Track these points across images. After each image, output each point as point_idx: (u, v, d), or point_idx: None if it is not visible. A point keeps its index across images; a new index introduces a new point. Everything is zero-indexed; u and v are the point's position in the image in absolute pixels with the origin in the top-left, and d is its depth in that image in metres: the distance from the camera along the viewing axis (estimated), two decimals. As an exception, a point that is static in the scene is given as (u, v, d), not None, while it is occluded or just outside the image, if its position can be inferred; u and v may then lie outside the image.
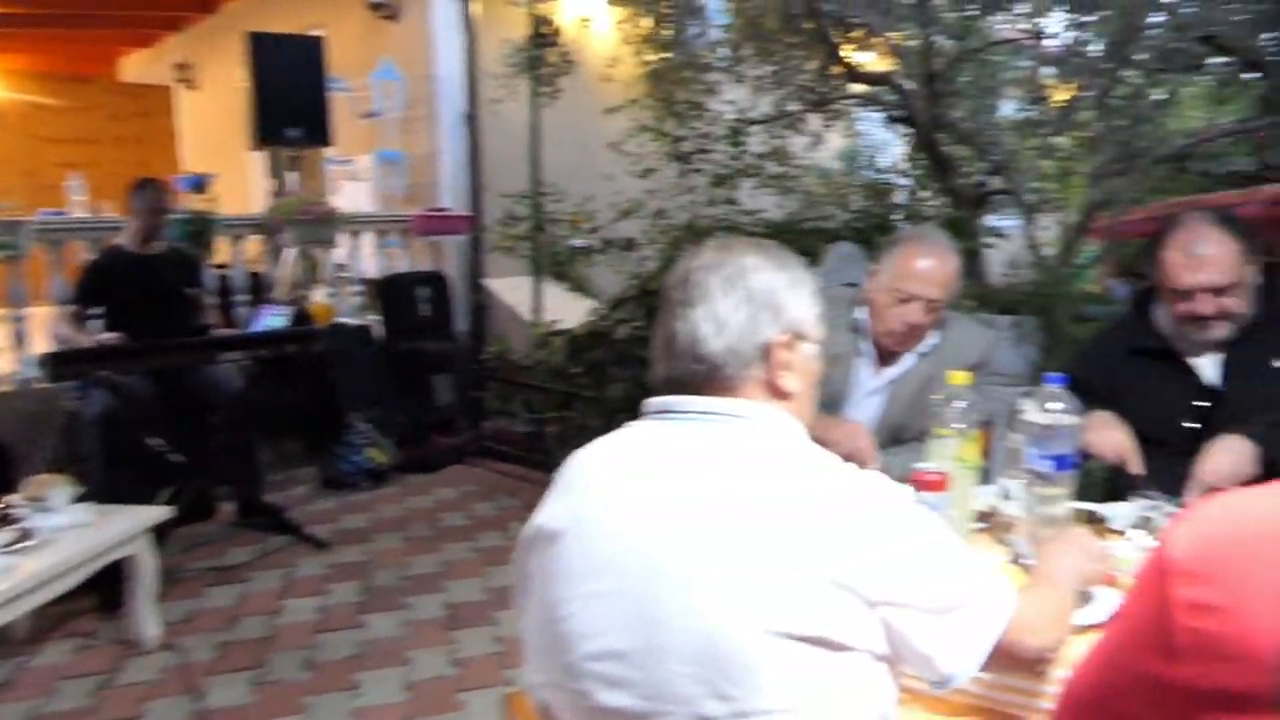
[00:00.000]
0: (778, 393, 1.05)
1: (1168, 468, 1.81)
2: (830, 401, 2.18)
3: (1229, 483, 1.72)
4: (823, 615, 0.88)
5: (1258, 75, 6.16)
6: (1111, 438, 1.88)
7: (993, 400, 2.24)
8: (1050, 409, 1.52)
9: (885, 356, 2.15)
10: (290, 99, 5.05)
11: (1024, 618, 0.98)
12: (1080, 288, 5.72)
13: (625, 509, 0.98)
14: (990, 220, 5.87)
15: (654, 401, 1.07)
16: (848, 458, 1.93)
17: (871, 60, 5.57)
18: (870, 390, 2.16)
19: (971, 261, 4.65)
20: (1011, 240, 5.41)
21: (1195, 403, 1.96)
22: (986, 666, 0.96)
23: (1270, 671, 0.59)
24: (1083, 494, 2.04)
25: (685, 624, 0.89)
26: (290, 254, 5.26)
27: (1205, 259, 1.86)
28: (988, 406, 2.05)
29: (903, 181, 6.08)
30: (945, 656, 0.93)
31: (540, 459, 4.69)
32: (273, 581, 3.55)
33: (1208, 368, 1.98)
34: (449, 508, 4.48)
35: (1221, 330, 1.91)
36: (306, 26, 6.19)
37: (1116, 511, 1.73)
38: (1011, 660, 0.99)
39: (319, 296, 5.55)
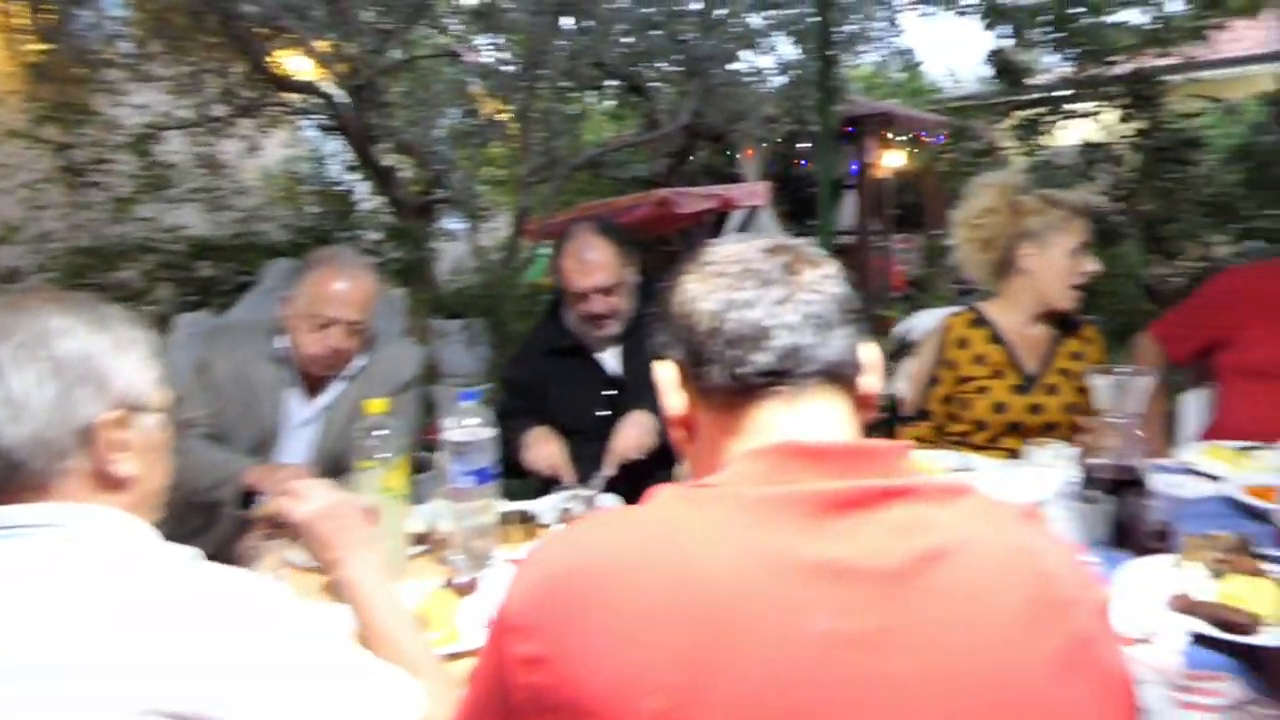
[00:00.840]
0: (111, 483, 0.86)
1: (588, 453, 2.00)
2: (262, 439, 2.01)
3: (638, 452, 1.96)
4: None
5: (641, 97, 7.35)
6: (545, 453, 2.02)
7: (450, 401, 2.27)
8: (467, 425, 1.55)
9: (314, 384, 2.03)
10: None
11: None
12: (531, 282, 6.20)
13: None
14: (442, 225, 6.07)
15: None
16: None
17: (308, 67, 5.36)
18: (302, 421, 2.03)
19: (421, 269, 4.73)
20: (457, 245, 5.64)
21: (605, 392, 2.19)
22: None
23: (594, 715, 0.61)
24: (518, 492, 2.16)
25: None
26: None
27: (593, 264, 2.09)
28: (447, 408, 2.06)
29: (354, 192, 5.98)
30: None
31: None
32: None
33: (611, 360, 2.23)
34: None
35: (613, 326, 2.16)
36: None
37: (542, 506, 1.84)
38: None
39: None
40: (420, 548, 1.65)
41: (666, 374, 0.82)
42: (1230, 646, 1.13)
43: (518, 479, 2.19)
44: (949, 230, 2.24)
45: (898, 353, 2.68)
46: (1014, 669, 0.63)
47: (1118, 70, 4.91)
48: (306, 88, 4.92)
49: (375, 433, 1.53)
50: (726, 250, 0.80)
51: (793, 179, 9.46)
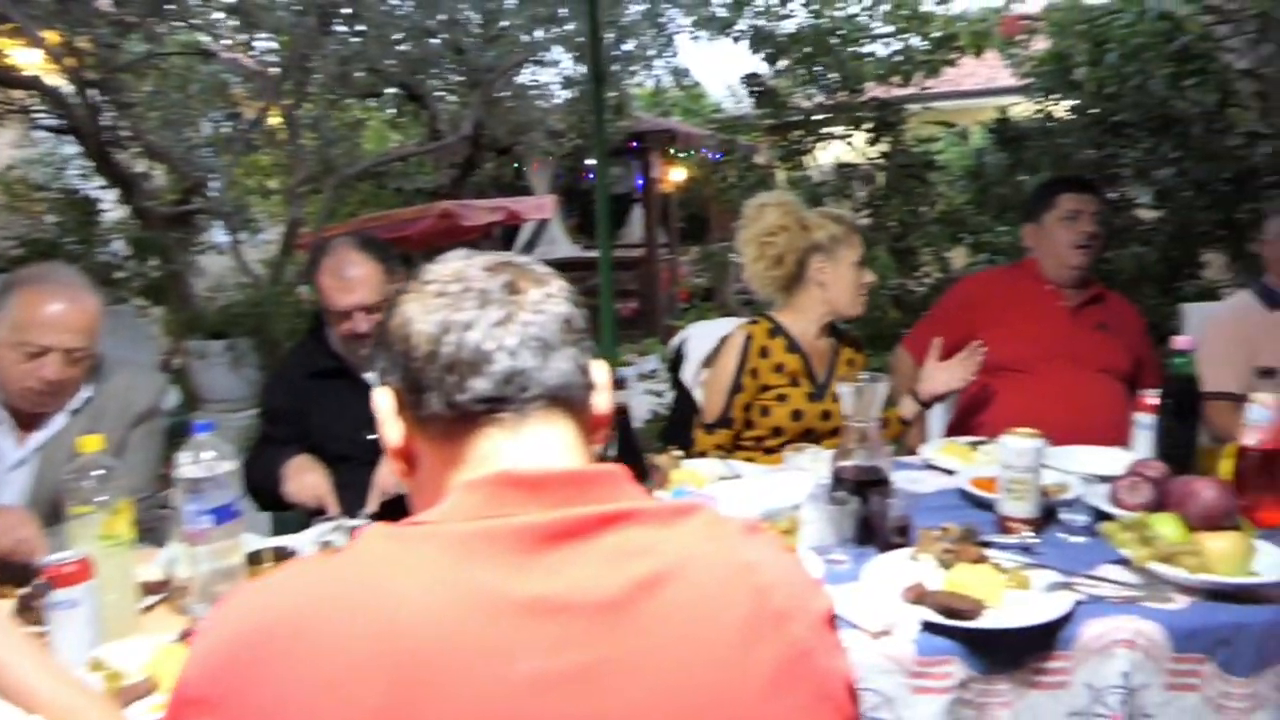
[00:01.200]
0: None
1: (357, 481, 1.88)
2: (-37, 486, 1.74)
3: (399, 488, 1.86)
4: None
5: (422, 107, 7.15)
6: (308, 483, 1.87)
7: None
8: (204, 459, 1.41)
9: (28, 420, 1.78)
10: None
11: None
12: (312, 298, 5.84)
13: None
14: (207, 237, 5.60)
15: None
16: (11, 553, 1.57)
17: (38, 59, 4.76)
18: (14, 463, 1.78)
19: (174, 285, 4.33)
20: (222, 260, 5.22)
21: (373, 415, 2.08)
22: None
23: None
24: (283, 526, 2.01)
25: None
26: None
27: (354, 281, 1.97)
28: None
29: (100, 200, 5.40)
30: None
31: None
32: None
33: (379, 381, 2.11)
34: None
35: (381, 345, 2.05)
36: None
37: (302, 540, 1.72)
38: None
39: None
40: (156, 597, 1.49)
41: (383, 402, 0.76)
42: (957, 631, 1.22)
43: (282, 511, 2.03)
44: (732, 244, 2.33)
45: (674, 363, 2.75)
46: (730, 689, 0.62)
47: (866, 97, 5.40)
48: (32, 83, 4.37)
49: (92, 473, 1.36)
50: (447, 268, 0.75)
51: (581, 192, 9.57)
